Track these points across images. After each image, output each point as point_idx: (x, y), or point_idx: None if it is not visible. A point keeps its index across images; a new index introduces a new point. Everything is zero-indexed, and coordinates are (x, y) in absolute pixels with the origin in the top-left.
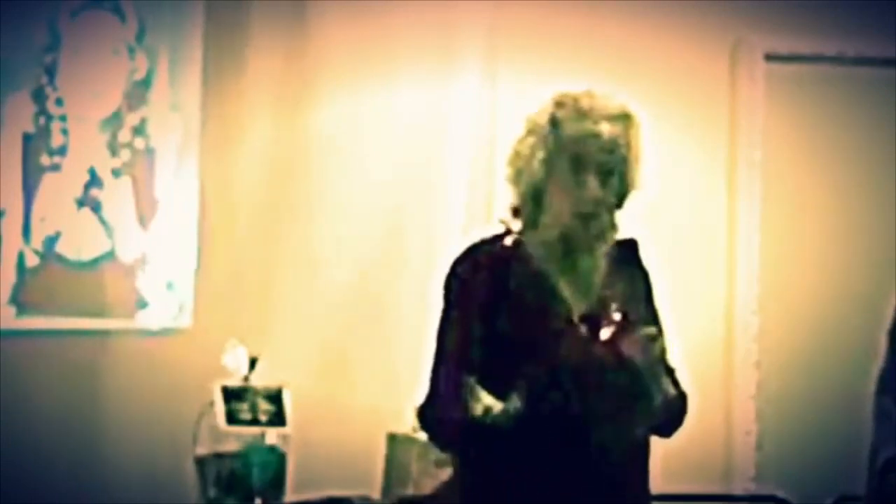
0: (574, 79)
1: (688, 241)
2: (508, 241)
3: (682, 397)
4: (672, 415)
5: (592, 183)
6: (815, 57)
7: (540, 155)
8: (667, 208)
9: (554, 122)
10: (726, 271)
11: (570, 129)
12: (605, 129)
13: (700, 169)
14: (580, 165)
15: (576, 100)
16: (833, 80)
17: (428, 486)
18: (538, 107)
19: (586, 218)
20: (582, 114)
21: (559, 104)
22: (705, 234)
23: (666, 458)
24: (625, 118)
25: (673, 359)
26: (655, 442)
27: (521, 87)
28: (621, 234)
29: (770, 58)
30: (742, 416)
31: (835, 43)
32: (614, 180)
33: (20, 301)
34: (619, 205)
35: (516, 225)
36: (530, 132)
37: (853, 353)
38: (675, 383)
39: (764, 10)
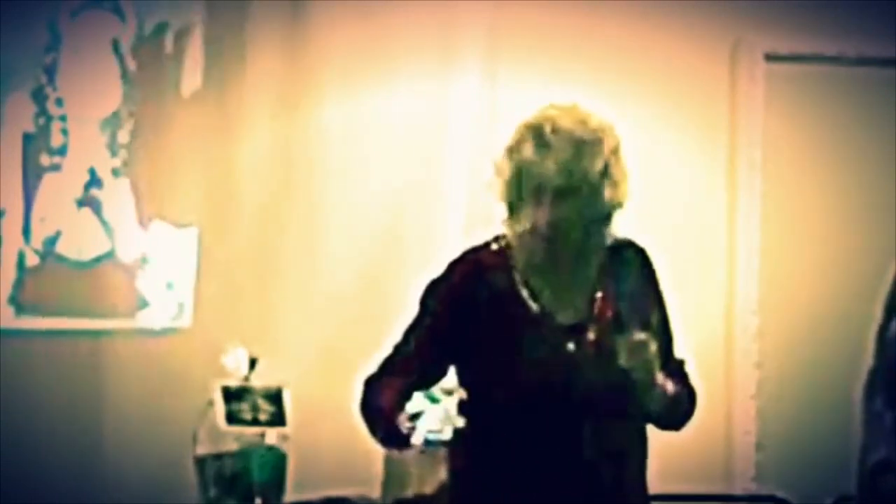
0: (573, 79)
1: (688, 241)
2: (494, 247)
3: (689, 391)
4: (677, 411)
5: (551, 206)
6: (815, 57)
7: (506, 175)
8: (667, 208)
9: (515, 145)
10: (726, 271)
11: (526, 155)
12: (562, 154)
13: (700, 169)
14: (536, 190)
15: (540, 124)
16: (833, 80)
17: (428, 486)
18: (517, 124)
19: (544, 239)
20: (541, 140)
21: (525, 125)
22: (705, 234)
23: (666, 458)
24: (589, 143)
25: (681, 352)
26: (655, 442)
27: (521, 87)
28: (619, 235)
29: (770, 58)
30: (742, 416)
31: (835, 43)
32: (576, 202)
33: (20, 301)
34: (602, 219)
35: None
36: (503, 151)
37: (853, 353)
38: (684, 377)
39: (764, 10)
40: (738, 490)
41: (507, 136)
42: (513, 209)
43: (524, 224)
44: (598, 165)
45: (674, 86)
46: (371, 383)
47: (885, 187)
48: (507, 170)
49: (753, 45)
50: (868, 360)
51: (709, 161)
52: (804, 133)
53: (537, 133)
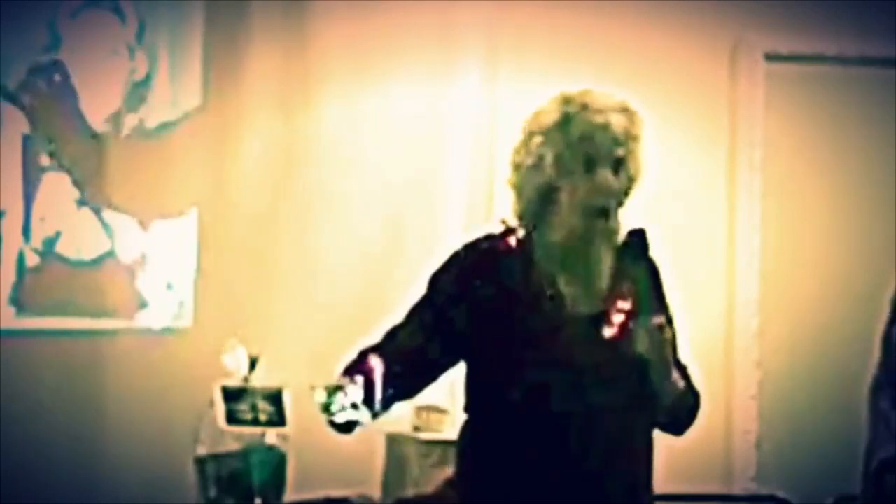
0: (574, 79)
1: (688, 241)
2: (512, 240)
3: (693, 394)
4: (683, 410)
5: (605, 175)
6: (815, 57)
7: (550, 154)
8: (667, 208)
9: (563, 120)
10: (726, 271)
11: (581, 123)
12: (614, 120)
13: (700, 169)
14: (593, 159)
15: (580, 96)
16: (833, 80)
17: (428, 486)
18: (539, 109)
19: (601, 211)
20: (589, 109)
21: (565, 102)
22: (705, 234)
23: (666, 458)
24: (628, 111)
25: (684, 356)
26: (656, 442)
27: (521, 87)
28: (626, 226)
29: (770, 58)
30: (742, 416)
31: (835, 43)
32: (624, 173)
33: (20, 301)
34: (624, 199)
35: (521, 229)
36: (535, 133)
37: (853, 352)
38: (687, 380)
39: (764, 10)
40: (738, 490)
41: (544, 114)
42: (548, 194)
43: (570, 204)
44: (640, 136)
45: (674, 86)
46: (364, 354)
47: (885, 187)
48: (549, 149)
49: (753, 45)
50: (869, 359)
51: (709, 161)
52: (804, 133)
53: (584, 105)
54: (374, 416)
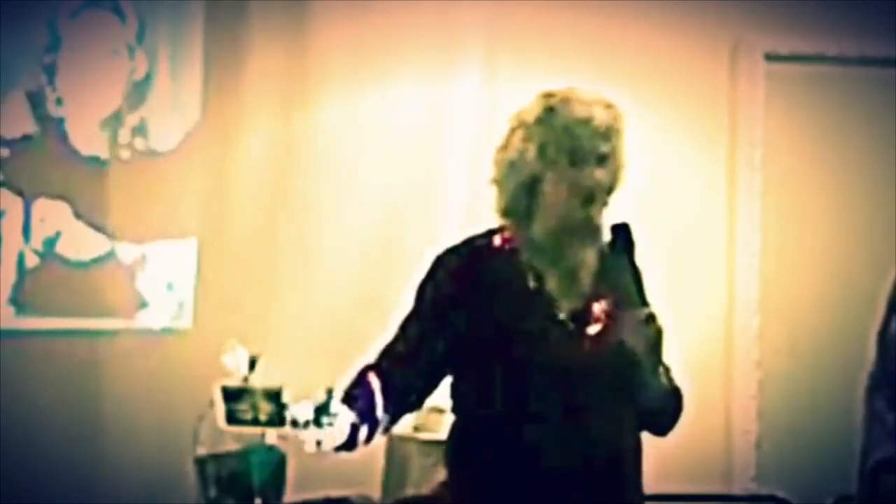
0: (574, 79)
1: (688, 241)
2: (497, 239)
3: (676, 395)
4: (666, 411)
5: (591, 169)
6: (815, 57)
7: (533, 146)
8: (667, 208)
9: (546, 113)
10: (726, 271)
11: (563, 116)
12: (597, 113)
13: (700, 169)
14: (577, 152)
15: (563, 92)
16: (833, 80)
17: (427, 486)
18: (522, 107)
19: (587, 202)
20: (572, 102)
21: (547, 97)
22: (705, 234)
23: (666, 458)
24: (611, 107)
25: (668, 358)
26: (655, 442)
27: (521, 87)
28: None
29: (770, 58)
30: (742, 416)
31: (835, 43)
32: (609, 167)
33: (20, 301)
34: (610, 195)
35: (506, 228)
36: (517, 128)
37: (853, 352)
38: (671, 381)
39: (764, 10)
40: (738, 490)
41: (526, 110)
42: (533, 188)
43: (556, 197)
44: (623, 133)
45: (674, 86)
46: (363, 373)
47: (885, 187)
48: (532, 143)
49: (753, 45)
50: (869, 360)
51: (709, 161)
52: (804, 133)
53: (567, 99)
54: (385, 431)
